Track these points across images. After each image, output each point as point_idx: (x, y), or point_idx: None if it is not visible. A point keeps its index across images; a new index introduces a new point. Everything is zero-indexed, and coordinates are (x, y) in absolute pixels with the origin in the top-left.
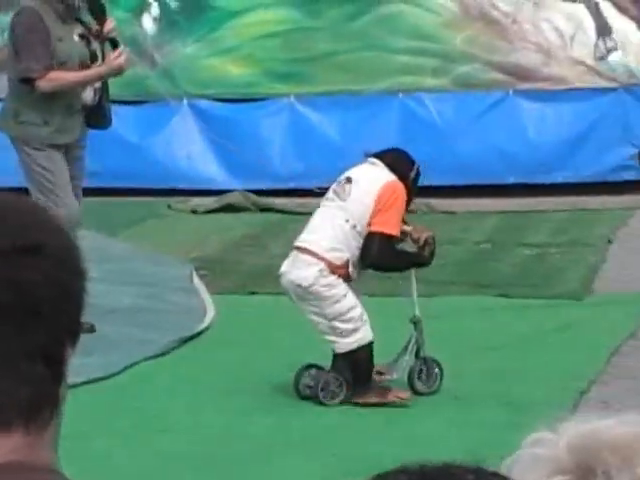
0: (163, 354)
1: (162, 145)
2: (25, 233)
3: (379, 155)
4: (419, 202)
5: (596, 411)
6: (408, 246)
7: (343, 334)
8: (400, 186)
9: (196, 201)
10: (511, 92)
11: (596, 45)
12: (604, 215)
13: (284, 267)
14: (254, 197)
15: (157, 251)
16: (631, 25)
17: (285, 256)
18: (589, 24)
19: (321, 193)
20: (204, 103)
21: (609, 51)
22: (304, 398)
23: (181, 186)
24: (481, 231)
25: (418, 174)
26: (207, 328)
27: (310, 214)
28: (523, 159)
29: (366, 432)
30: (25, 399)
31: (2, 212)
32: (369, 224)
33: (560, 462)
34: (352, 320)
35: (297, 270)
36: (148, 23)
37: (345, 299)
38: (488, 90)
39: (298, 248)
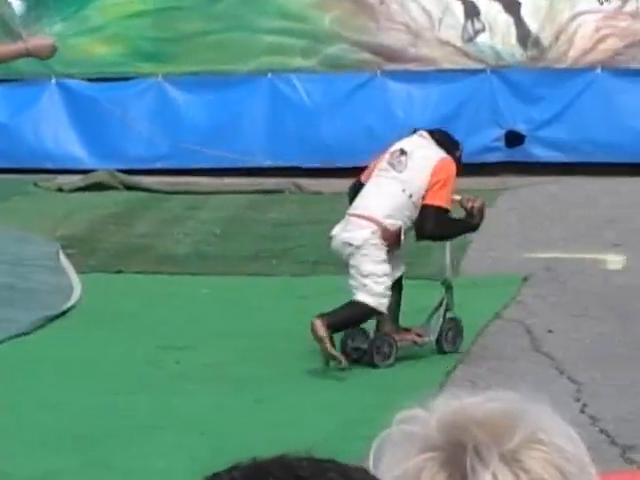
0: (28, 333)
1: (30, 124)
2: None
3: (427, 132)
4: (287, 182)
5: (463, 390)
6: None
7: (370, 292)
8: (452, 163)
9: (62, 179)
10: (379, 73)
11: (464, 27)
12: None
13: (335, 231)
14: (121, 176)
15: (23, 229)
16: (498, 7)
17: (152, 234)
18: (457, 5)
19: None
20: (72, 82)
21: (477, 33)
22: (354, 361)
23: (48, 165)
24: None
25: (461, 154)
26: (74, 307)
27: (181, 193)
28: (391, 140)
29: (237, 411)
30: None
31: None
32: (423, 197)
33: (430, 439)
34: (382, 284)
35: (348, 232)
36: (15, 1)
37: (384, 264)
38: (356, 71)
39: (352, 215)
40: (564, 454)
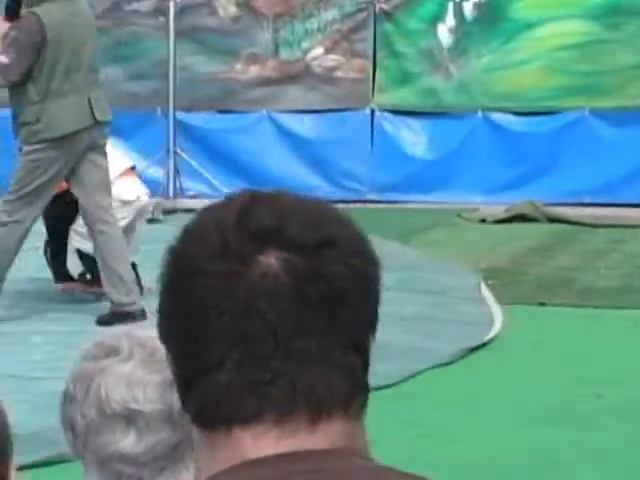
0: (448, 363)
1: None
2: (320, 227)
3: None
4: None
5: None
6: None
7: None
8: None
9: (485, 210)
10: None
11: None
12: None
13: (136, 193)
14: (543, 207)
15: (446, 260)
16: None
17: (575, 267)
18: None
19: None
20: (499, 116)
21: None
22: None
23: (475, 199)
24: None
25: None
26: (494, 338)
27: (605, 226)
28: None
29: None
30: (342, 387)
31: (292, 209)
32: None
33: None
34: None
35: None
36: (443, 34)
37: None
38: None
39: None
40: None
